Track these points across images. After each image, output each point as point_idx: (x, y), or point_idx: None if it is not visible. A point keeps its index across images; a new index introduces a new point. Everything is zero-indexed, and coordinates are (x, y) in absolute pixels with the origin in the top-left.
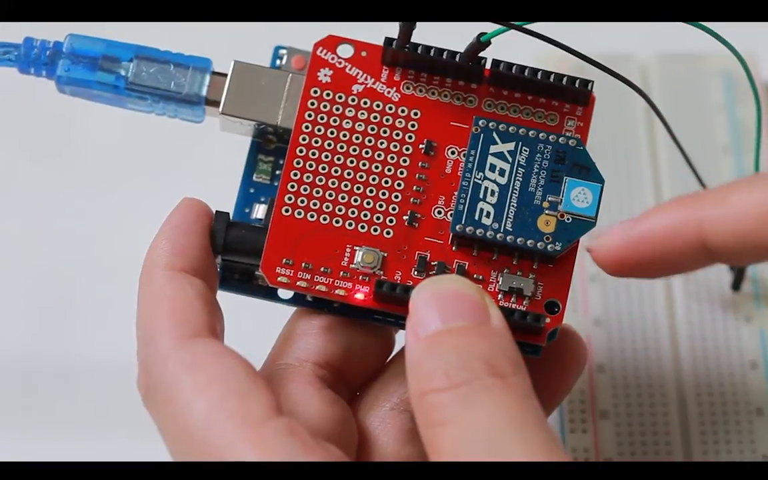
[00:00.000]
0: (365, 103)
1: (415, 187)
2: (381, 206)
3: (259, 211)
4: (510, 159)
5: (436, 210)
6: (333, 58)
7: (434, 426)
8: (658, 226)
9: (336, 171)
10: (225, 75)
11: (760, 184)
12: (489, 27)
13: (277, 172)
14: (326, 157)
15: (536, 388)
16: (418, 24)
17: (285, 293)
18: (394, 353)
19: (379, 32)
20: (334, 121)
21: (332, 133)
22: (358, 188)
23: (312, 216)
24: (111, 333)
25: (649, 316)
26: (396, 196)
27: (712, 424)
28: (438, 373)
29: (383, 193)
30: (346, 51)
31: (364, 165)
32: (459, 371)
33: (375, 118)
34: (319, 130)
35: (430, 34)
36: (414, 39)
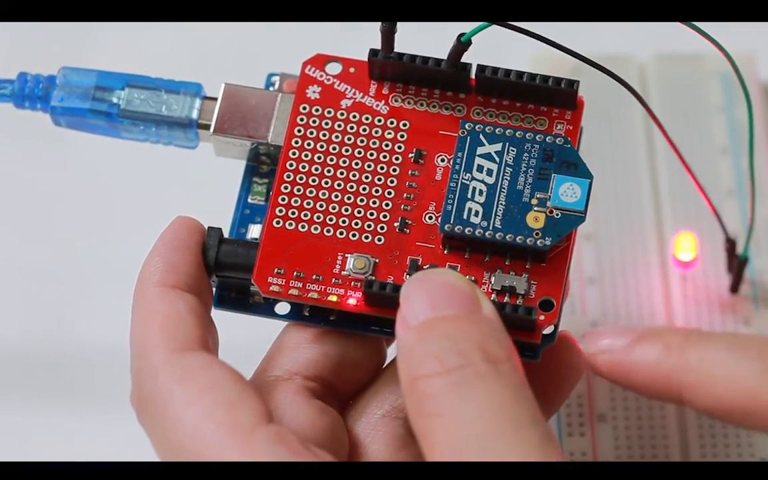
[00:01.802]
0: (354, 116)
1: (405, 195)
2: (372, 214)
3: (254, 231)
4: (497, 159)
5: (427, 215)
6: (321, 76)
7: (427, 416)
8: (642, 369)
9: (326, 182)
10: (215, 99)
11: (742, 369)
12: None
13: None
14: (316, 169)
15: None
16: (408, 31)
17: (282, 309)
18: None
19: (369, 34)
20: (324, 135)
21: (322, 146)
22: (349, 198)
23: (303, 226)
24: (108, 331)
25: (648, 318)
26: (386, 204)
27: (710, 427)
28: (430, 358)
29: (374, 202)
30: (334, 68)
31: (354, 175)
32: (451, 355)
33: (364, 130)
34: (308, 144)
35: (422, 39)
36: (406, 48)
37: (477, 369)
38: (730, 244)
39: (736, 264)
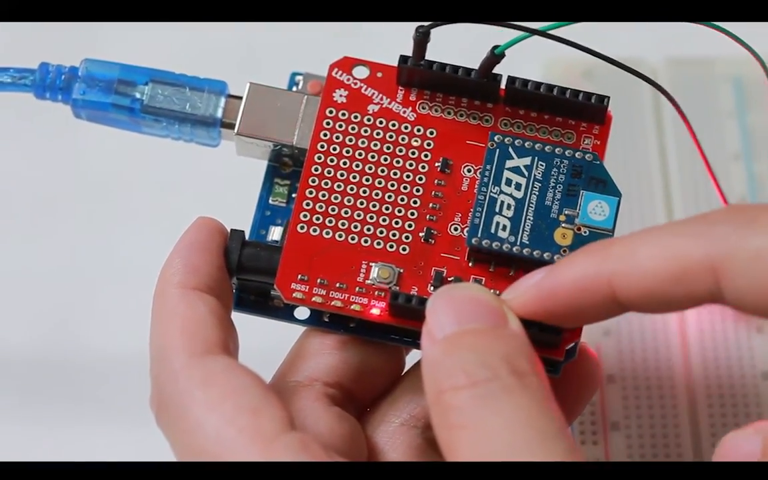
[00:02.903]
0: (381, 122)
1: (431, 205)
2: (397, 223)
3: (275, 233)
4: (526, 173)
5: (453, 227)
6: (348, 79)
7: (452, 428)
8: (568, 281)
9: (351, 189)
10: (240, 98)
11: (668, 236)
12: (496, 35)
13: (293, 195)
14: (342, 175)
15: None
16: (407, 31)
17: (302, 313)
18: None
19: (391, 35)
20: (350, 140)
21: (348, 151)
22: (374, 206)
23: (327, 233)
24: (119, 337)
25: (660, 326)
26: (412, 213)
27: (723, 435)
28: (456, 371)
29: (399, 211)
30: (361, 72)
31: (379, 183)
32: (478, 369)
33: (390, 137)
34: (334, 149)
35: (442, 43)
36: (406, 48)
37: (504, 382)
38: None
39: None
